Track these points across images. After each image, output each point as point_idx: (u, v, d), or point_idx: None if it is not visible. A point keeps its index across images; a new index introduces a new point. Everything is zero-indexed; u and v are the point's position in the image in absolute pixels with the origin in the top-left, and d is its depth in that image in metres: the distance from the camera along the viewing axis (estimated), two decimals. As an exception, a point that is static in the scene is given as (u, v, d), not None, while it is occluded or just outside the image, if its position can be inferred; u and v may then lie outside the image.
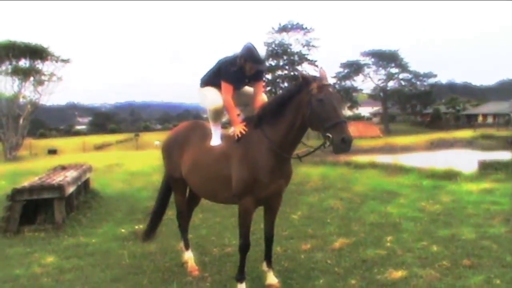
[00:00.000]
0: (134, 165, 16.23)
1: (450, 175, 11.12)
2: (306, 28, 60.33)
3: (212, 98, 5.08)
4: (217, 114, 5.08)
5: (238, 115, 5.17)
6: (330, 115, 4.05)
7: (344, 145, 3.97)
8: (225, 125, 5.50)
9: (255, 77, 5.12)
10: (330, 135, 4.01)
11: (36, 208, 8.27)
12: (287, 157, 4.62)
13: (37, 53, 31.30)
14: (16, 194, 7.84)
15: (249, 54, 4.83)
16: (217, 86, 5.08)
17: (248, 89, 5.29)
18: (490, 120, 72.06)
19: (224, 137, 5.03)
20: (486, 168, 12.11)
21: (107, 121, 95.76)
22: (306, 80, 4.31)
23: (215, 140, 5.02)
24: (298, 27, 60.35)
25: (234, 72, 4.91)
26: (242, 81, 5.10)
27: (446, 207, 8.20)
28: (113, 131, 78.87)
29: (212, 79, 5.15)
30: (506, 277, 4.95)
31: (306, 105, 4.24)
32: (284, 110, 4.47)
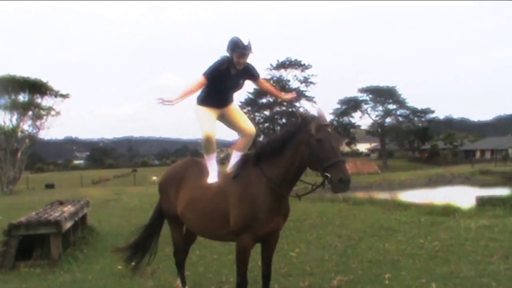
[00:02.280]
0: (131, 200, 16.23)
1: (449, 212, 11.10)
2: (304, 64, 61.04)
3: (204, 126, 5.13)
4: (209, 143, 5.12)
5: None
6: (328, 155, 4.09)
7: (342, 184, 4.00)
8: (223, 161, 5.53)
9: (248, 74, 5.15)
10: (329, 175, 4.04)
11: (33, 243, 8.20)
12: (285, 195, 4.64)
13: (36, 87, 31.63)
14: (12, 229, 7.80)
15: (233, 44, 4.85)
16: (212, 106, 5.15)
17: (237, 115, 5.32)
18: (488, 155, 72.36)
19: (221, 174, 5.05)
20: (485, 204, 12.15)
21: (105, 156, 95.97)
22: (305, 120, 4.36)
23: (212, 177, 5.03)
24: (296, 64, 61.04)
25: (219, 70, 4.89)
26: (232, 83, 5.09)
27: (445, 243, 8.15)
28: (110, 166, 78.89)
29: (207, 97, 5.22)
30: (506, 315, 4.91)
31: (305, 145, 4.27)
32: (283, 150, 4.49)
